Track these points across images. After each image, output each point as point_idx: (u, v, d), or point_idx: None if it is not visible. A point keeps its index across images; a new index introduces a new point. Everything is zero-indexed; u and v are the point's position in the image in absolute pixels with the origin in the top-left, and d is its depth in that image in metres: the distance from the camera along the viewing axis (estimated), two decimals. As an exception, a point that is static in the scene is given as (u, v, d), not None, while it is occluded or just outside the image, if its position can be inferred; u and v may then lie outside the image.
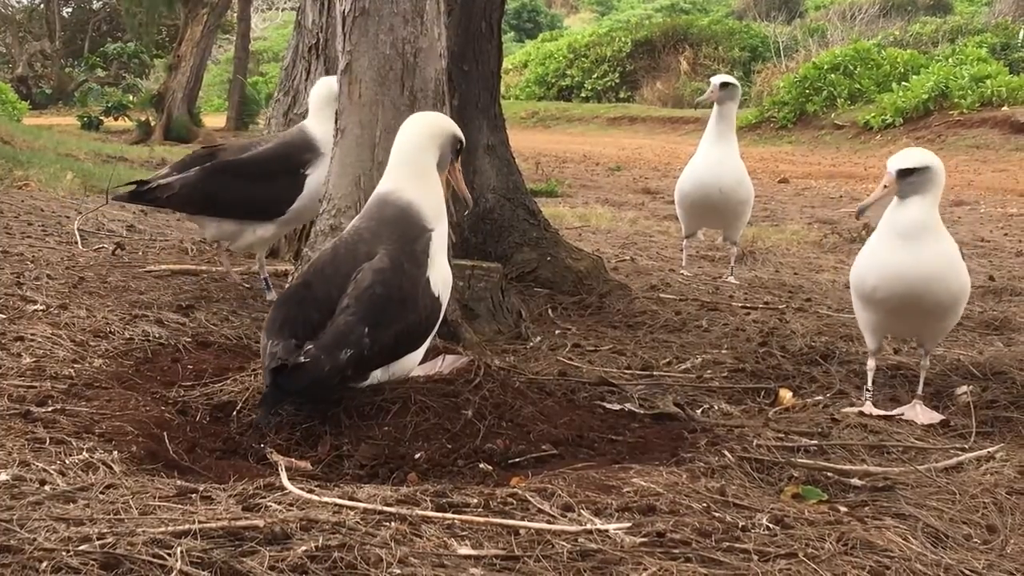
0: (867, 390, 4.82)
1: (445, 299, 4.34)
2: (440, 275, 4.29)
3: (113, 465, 3.44)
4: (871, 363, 4.90)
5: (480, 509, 3.17)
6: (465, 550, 2.87)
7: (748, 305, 6.92)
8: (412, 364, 4.23)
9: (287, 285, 5.32)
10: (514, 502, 3.24)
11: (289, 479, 3.35)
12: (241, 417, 4.04)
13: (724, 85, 7.97)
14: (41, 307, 5.32)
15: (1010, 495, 3.65)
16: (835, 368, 5.33)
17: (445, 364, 4.33)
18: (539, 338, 5.80)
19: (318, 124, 5.95)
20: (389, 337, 4.05)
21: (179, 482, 3.33)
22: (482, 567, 2.80)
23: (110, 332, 5.03)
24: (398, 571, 2.71)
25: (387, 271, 4.11)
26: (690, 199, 8.14)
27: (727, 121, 8.01)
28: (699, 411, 4.59)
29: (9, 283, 5.75)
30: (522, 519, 3.11)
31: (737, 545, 3.01)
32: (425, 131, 4.41)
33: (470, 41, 7.05)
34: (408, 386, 4.06)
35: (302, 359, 3.87)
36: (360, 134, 5.19)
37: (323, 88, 5.98)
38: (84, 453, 3.49)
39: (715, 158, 8.00)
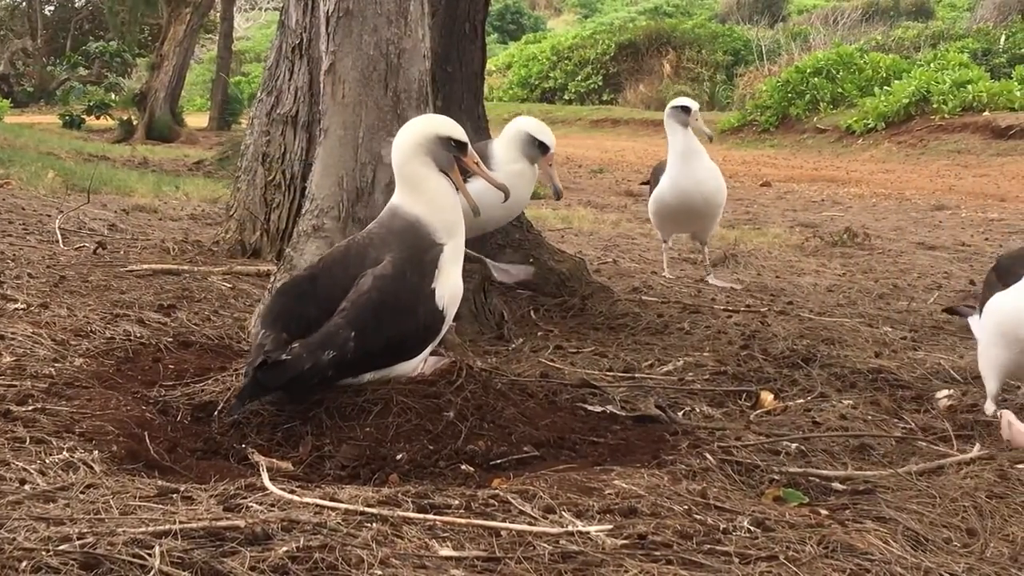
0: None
1: (450, 312, 4.30)
2: (448, 287, 4.25)
3: (93, 465, 3.43)
4: (990, 407, 4.41)
5: (461, 510, 3.16)
6: (446, 551, 2.87)
7: (730, 308, 6.93)
8: (408, 370, 4.19)
9: (270, 284, 5.31)
10: (495, 503, 3.24)
11: (270, 479, 3.34)
12: (222, 417, 4.03)
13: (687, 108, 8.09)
14: (22, 306, 5.30)
15: (990, 499, 3.66)
16: (816, 371, 5.34)
17: (427, 365, 4.32)
18: (521, 340, 5.80)
19: (498, 143, 5.91)
20: (378, 344, 4.04)
21: (160, 482, 3.32)
22: (463, 568, 2.80)
23: (91, 331, 5.01)
24: (379, 572, 2.70)
25: (387, 278, 4.09)
26: (670, 208, 8.14)
27: (693, 137, 8.07)
28: (681, 413, 4.59)
29: (-11, 282, 5.73)
30: (503, 521, 3.10)
31: (718, 547, 3.01)
32: (406, 145, 4.28)
33: (454, 42, 7.05)
34: (390, 387, 4.05)
35: (283, 356, 3.87)
36: (343, 135, 5.19)
37: (515, 125, 5.93)
38: (64, 452, 3.48)
39: (693, 167, 8.01)
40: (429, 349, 4.30)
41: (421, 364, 4.26)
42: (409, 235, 4.23)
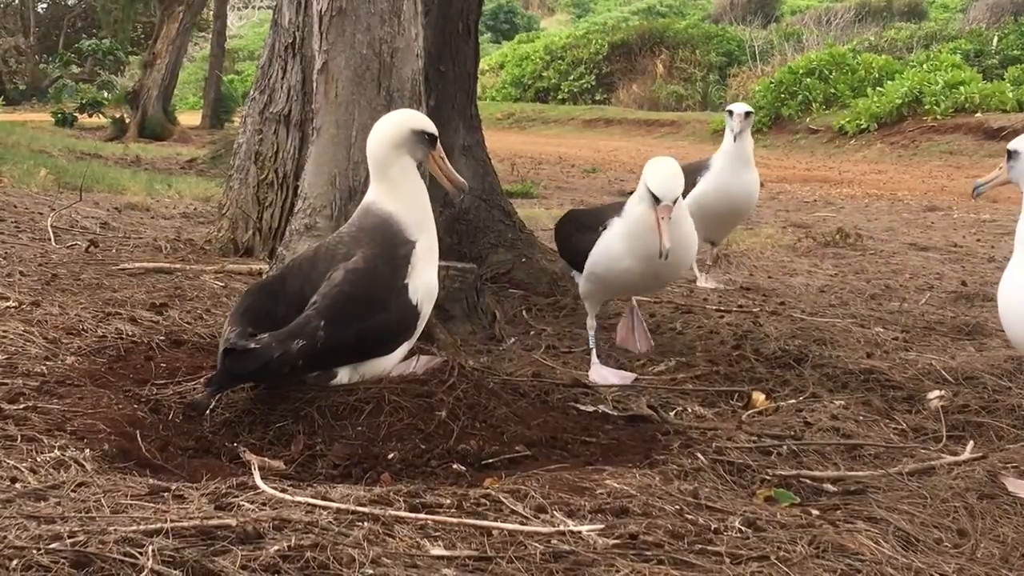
0: None
1: (426, 308, 4.34)
2: (422, 284, 4.30)
3: (85, 463, 3.42)
4: None
5: (453, 510, 3.17)
6: (438, 551, 2.87)
7: (722, 308, 6.93)
8: (384, 367, 4.22)
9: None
10: (487, 503, 3.24)
11: (262, 478, 3.34)
12: (214, 416, 4.03)
13: (748, 114, 7.83)
14: (13, 304, 5.29)
15: (980, 499, 3.67)
16: (808, 371, 5.34)
17: (419, 364, 4.33)
18: (513, 339, 5.80)
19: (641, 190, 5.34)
20: (350, 335, 4.07)
21: (151, 481, 3.32)
22: (455, 568, 2.80)
23: (83, 329, 5.01)
24: (371, 571, 2.70)
25: (359, 272, 4.15)
26: (708, 208, 7.76)
27: (749, 144, 7.90)
28: (672, 413, 4.60)
29: (-19, 279, 5.72)
30: (495, 520, 3.11)
31: (709, 547, 3.02)
32: (383, 141, 4.35)
33: (447, 42, 7.05)
34: (382, 386, 4.06)
35: (252, 344, 3.90)
36: (336, 133, 5.18)
37: (653, 167, 5.19)
38: (56, 451, 3.47)
39: (745, 171, 7.87)
40: (406, 347, 4.31)
41: (399, 362, 4.28)
42: (381, 231, 4.29)
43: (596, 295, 5.63)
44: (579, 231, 5.67)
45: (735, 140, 7.83)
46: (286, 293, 4.22)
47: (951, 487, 3.77)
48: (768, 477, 3.81)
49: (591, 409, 4.48)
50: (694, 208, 7.63)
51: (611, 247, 5.36)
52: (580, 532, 3.04)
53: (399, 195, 4.34)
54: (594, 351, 5.48)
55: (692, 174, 7.94)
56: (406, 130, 4.37)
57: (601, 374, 5.25)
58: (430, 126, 4.43)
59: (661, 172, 5.09)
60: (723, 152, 7.94)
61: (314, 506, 3.10)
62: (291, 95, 7.62)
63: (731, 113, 7.85)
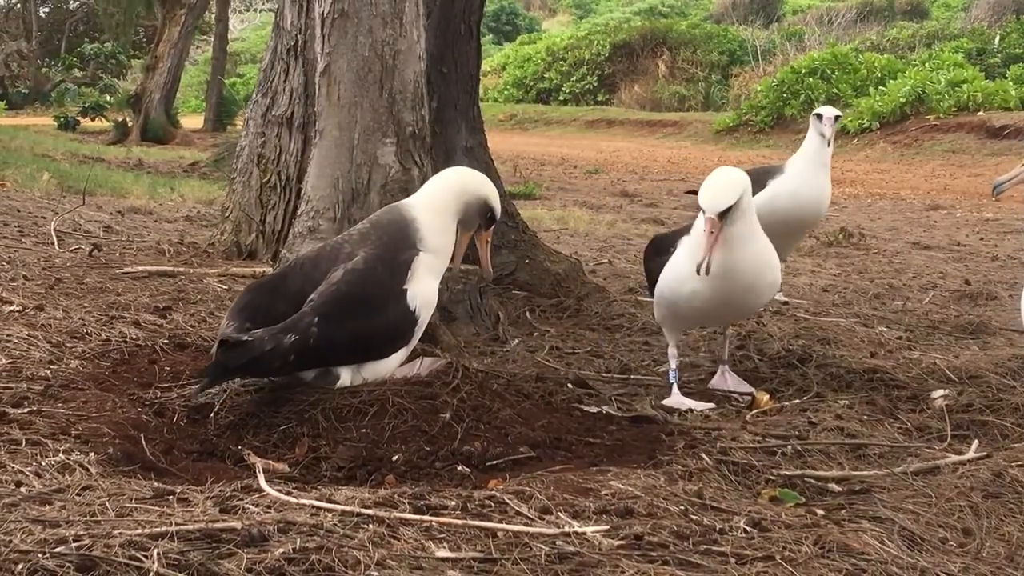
0: None
1: (423, 316, 4.33)
2: (421, 291, 4.29)
3: (89, 467, 3.42)
4: None
5: (458, 511, 3.16)
6: (443, 552, 2.87)
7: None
8: (384, 370, 4.21)
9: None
10: (492, 504, 3.24)
11: (266, 481, 3.34)
12: (219, 419, 4.03)
13: (837, 118, 7.14)
14: (17, 308, 5.29)
15: (985, 498, 3.66)
16: (812, 371, 5.34)
17: (423, 366, 4.33)
18: (517, 340, 5.80)
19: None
20: (344, 335, 4.08)
21: (156, 484, 3.32)
22: (460, 569, 2.79)
23: (87, 333, 5.01)
24: (375, 573, 2.70)
25: (357, 272, 4.17)
26: (777, 216, 6.80)
27: (830, 150, 7.16)
28: (676, 414, 4.60)
29: (-15, 284, 5.73)
30: (500, 521, 3.10)
31: (714, 548, 3.01)
32: (456, 184, 4.41)
33: (449, 43, 7.05)
34: (386, 388, 4.05)
35: (244, 337, 3.92)
36: (339, 136, 5.19)
37: (710, 176, 4.74)
38: (60, 454, 3.47)
39: (823, 181, 7.13)
40: (404, 352, 4.31)
41: (399, 366, 4.29)
42: (391, 233, 4.30)
43: (668, 321, 5.10)
44: (657, 254, 5.20)
45: (828, 144, 7.07)
46: (287, 291, 4.23)
47: (956, 486, 3.76)
48: (773, 477, 3.81)
49: (595, 410, 4.48)
50: (763, 213, 6.74)
51: (677, 269, 4.86)
52: (585, 533, 3.03)
53: (433, 214, 4.37)
54: (675, 385, 4.94)
55: (763, 176, 7.54)
56: (481, 195, 4.43)
57: (679, 400, 4.87)
58: (498, 208, 4.48)
59: (710, 181, 4.60)
60: (804, 152, 7.17)
61: (319, 508, 3.10)
62: (293, 98, 7.63)
63: (820, 117, 7.10)
